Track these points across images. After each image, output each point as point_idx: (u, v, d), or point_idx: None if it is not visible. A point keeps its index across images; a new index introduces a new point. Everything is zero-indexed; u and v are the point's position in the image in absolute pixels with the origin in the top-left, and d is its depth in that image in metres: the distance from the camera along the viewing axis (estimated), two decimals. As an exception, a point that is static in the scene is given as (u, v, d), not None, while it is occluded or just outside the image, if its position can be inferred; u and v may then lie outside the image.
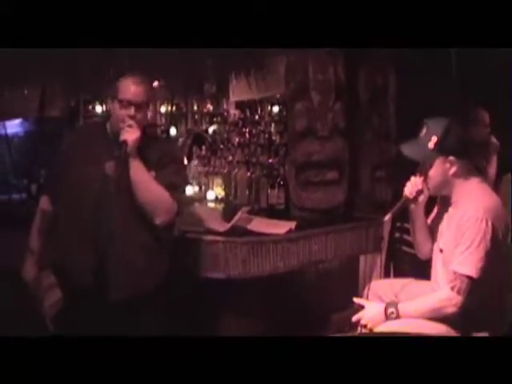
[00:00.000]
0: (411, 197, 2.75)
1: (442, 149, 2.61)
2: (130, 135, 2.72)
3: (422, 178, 2.71)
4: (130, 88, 2.77)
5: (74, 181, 2.81)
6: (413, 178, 2.74)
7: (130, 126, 2.73)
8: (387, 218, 2.77)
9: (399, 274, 4.09)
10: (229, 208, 4.17)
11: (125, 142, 2.70)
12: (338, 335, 2.01)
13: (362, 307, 2.70)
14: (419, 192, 2.74)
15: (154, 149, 2.87)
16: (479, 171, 2.65)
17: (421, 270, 3.02)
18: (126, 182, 2.74)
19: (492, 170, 2.70)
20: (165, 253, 2.98)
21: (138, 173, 2.73)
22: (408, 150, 2.71)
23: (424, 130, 2.67)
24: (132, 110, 2.75)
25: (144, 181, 2.74)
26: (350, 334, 2.06)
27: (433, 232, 2.85)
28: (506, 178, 3.80)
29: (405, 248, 4.11)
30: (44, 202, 3.03)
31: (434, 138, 2.61)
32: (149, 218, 2.76)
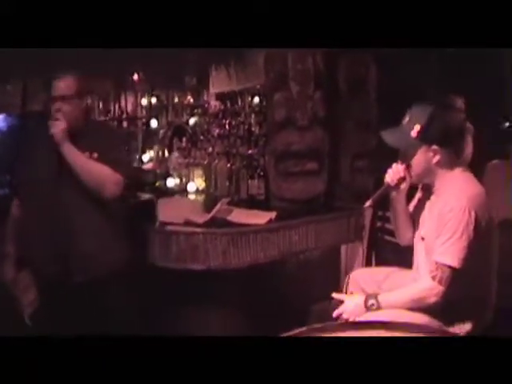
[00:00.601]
0: (393, 184, 2.68)
1: (425, 137, 2.54)
2: (56, 127, 2.89)
3: (404, 166, 2.65)
4: (56, 84, 2.95)
5: (31, 175, 2.97)
6: (394, 165, 2.67)
7: (56, 119, 2.91)
8: (368, 204, 2.69)
9: (381, 263, 4.04)
10: (209, 199, 4.18)
11: (52, 135, 2.89)
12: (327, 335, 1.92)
13: (341, 302, 2.65)
14: (401, 179, 2.67)
15: (95, 133, 3.06)
16: (457, 155, 2.56)
17: (403, 259, 2.97)
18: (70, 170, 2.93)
19: (468, 153, 2.62)
20: (122, 239, 3.13)
21: (73, 157, 2.90)
22: (390, 137, 2.64)
23: (407, 118, 2.60)
24: (58, 104, 2.93)
25: (81, 162, 2.90)
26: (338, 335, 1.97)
27: (414, 219, 2.79)
28: (490, 165, 3.76)
29: (387, 237, 4.06)
30: (14, 206, 3.13)
31: (418, 127, 2.54)
32: (97, 195, 2.92)
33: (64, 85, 2.95)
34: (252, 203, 4.01)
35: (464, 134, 2.60)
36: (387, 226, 3.94)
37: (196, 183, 4.66)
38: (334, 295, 2.74)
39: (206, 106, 5.10)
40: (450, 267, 2.43)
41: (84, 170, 2.90)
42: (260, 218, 3.58)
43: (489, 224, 2.50)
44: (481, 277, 2.55)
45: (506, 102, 4.61)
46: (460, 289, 2.44)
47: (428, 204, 2.69)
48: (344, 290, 2.94)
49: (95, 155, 2.94)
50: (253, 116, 4.55)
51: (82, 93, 3.05)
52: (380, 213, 4.14)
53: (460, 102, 2.62)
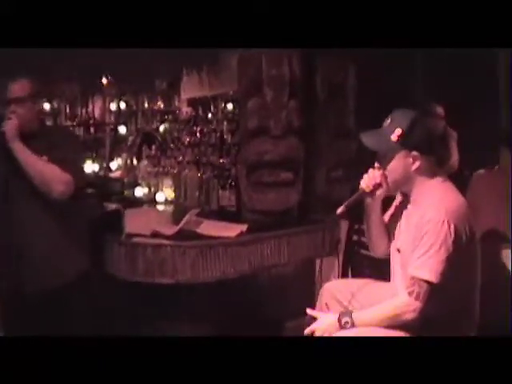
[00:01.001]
0: (368, 190, 2.64)
1: (405, 142, 2.51)
2: (8, 125, 2.99)
3: (381, 172, 2.61)
4: (11, 86, 3.04)
5: None
6: (371, 171, 2.64)
7: (9, 118, 3.00)
8: (340, 210, 2.65)
9: (357, 278, 3.95)
10: (178, 210, 4.15)
11: (3, 133, 2.99)
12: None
13: (315, 319, 2.61)
14: (377, 185, 2.63)
15: (46, 136, 3.13)
16: (442, 163, 2.54)
17: (380, 274, 2.95)
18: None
19: (454, 160, 2.60)
20: (84, 251, 3.22)
21: (22, 155, 2.97)
22: (369, 139, 2.60)
23: (388, 121, 2.57)
24: (12, 107, 3.02)
25: (30, 161, 2.96)
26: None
27: (389, 230, 2.77)
28: (476, 175, 3.74)
29: (363, 251, 4.03)
30: None
31: (399, 130, 2.51)
32: (47, 196, 2.97)
33: (18, 87, 3.03)
34: (223, 215, 3.99)
35: (447, 141, 2.58)
36: (364, 239, 3.87)
37: (165, 193, 4.59)
38: (308, 311, 2.69)
39: (177, 112, 5.11)
40: (427, 282, 2.37)
41: (32, 168, 2.95)
42: (231, 230, 3.54)
43: (470, 236, 2.45)
44: (462, 291, 2.50)
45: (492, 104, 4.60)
46: (440, 304, 2.40)
47: (405, 214, 2.65)
48: (318, 302, 2.89)
49: (45, 158, 3.00)
50: (225, 123, 4.57)
51: (36, 96, 3.13)
52: (356, 226, 4.10)
53: (440, 110, 2.61)
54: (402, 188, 2.64)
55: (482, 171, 3.78)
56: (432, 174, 2.55)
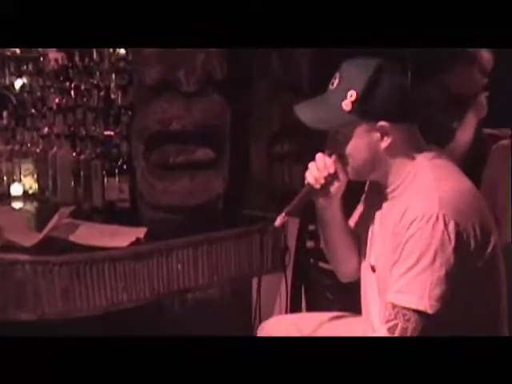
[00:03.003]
0: (318, 185, 2.65)
1: (365, 109, 2.50)
2: None
3: (334, 157, 2.61)
4: None
5: None
6: (319, 157, 2.64)
7: None
8: (279, 220, 2.69)
9: (315, 304, 4.15)
10: (44, 209, 4.22)
11: None
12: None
13: None
14: (330, 178, 2.64)
15: None
16: (445, 135, 2.55)
17: (349, 297, 3.03)
18: None
19: (466, 136, 2.60)
20: None
21: None
22: (308, 113, 2.61)
23: (335, 81, 2.56)
24: None
25: None
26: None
27: (358, 240, 2.82)
28: (495, 148, 3.82)
29: (322, 264, 4.11)
30: None
31: (352, 94, 2.49)
32: None
33: None
34: (110, 214, 4.02)
35: (466, 104, 2.59)
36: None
37: (24, 183, 4.63)
38: None
39: (41, 59, 5.14)
40: (416, 312, 2.37)
41: None
42: (122, 237, 3.53)
43: (483, 237, 2.46)
44: (478, 315, 2.51)
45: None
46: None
47: (379, 214, 2.67)
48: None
49: None
50: (113, 77, 4.54)
51: None
52: (311, 227, 4.15)
53: (481, 55, 2.65)
54: (370, 176, 2.66)
55: (503, 142, 3.86)
56: (415, 150, 2.56)
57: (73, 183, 4.32)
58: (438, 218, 2.35)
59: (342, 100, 2.49)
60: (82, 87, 4.64)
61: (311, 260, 4.24)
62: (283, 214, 2.67)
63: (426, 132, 2.61)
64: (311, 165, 2.65)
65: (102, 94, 4.51)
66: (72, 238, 3.52)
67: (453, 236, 2.36)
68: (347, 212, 2.82)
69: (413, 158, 2.55)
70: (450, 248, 2.35)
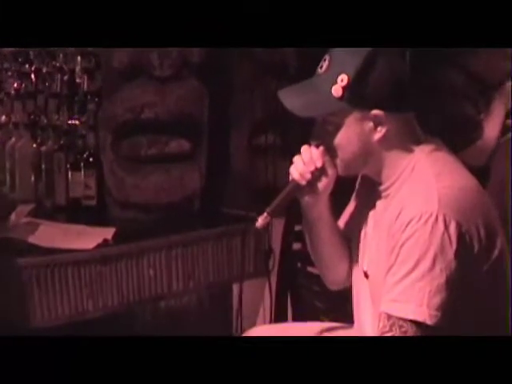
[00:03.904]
0: (304, 182, 2.62)
1: (356, 96, 2.49)
2: None
3: (322, 149, 2.58)
4: None
5: None
6: (305, 150, 2.61)
7: None
8: (261, 220, 2.64)
9: (302, 313, 4.15)
10: (1, 206, 4.10)
11: None
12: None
13: None
14: (317, 173, 2.62)
15: None
16: (473, 129, 2.56)
17: (340, 306, 3.12)
18: None
19: (494, 129, 2.61)
20: None
21: None
22: (294, 99, 2.59)
23: (325, 64, 2.54)
24: None
25: None
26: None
27: (349, 243, 2.81)
28: (503, 141, 3.85)
29: (310, 268, 4.08)
30: None
31: (344, 78, 2.47)
32: None
33: None
34: (75, 212, 4.04)
35: (487, 91, 2.61)
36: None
37: None
38: None
39: None
40: (414, 323, 2.36)
41: None
42: (87, 238, 3.56)
43: (489, 240, 2.44)
44: (483, 329, 2.48)
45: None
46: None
47: (372, 214, 2.66)
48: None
49: None
50: (78, 59, 4.51)
51: None
52: (298, 227, 4.10)
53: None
54: (362, 170, 2.65)
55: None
56: (411, 142, 2.55)
57: (33, 178, 4.32)
58: (437, 218, 2.34)
59: (332, 85, 2.48)
60: (44, 70, 4.62)
61: (298, 264, 4.22)
62: (265, 214, 2.63)
63: (452, 125, 2.61)
64: (296, 158, 2.63)
65: (65, 78, 4.48)
66: (32, 239, 3.53)
67: (454, 238, 2.34)
68: (336, 211, 2.81)
69: (410, 151, 2.54)
70: (450, 252, 2.34)
